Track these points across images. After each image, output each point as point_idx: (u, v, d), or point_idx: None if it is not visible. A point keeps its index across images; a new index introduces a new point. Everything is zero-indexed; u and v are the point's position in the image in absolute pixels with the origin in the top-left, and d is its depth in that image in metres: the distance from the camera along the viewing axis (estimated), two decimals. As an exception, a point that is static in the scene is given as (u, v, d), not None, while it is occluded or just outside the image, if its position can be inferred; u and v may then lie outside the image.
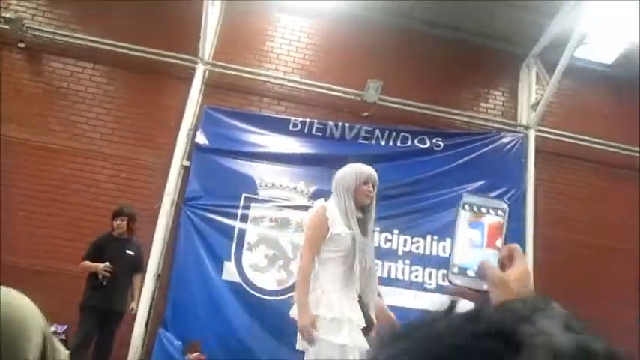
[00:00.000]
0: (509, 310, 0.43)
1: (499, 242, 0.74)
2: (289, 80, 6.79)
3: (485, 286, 0.71)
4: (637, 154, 7.10)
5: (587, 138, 7.02)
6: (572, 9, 6.15)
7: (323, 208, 2.85)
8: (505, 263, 0.73)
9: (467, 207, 0.75)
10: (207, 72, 6.64)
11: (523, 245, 6.00)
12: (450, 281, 0.74)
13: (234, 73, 6.67)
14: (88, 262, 4.75)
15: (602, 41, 6.86)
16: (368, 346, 2.55)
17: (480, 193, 0.77)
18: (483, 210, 0.75)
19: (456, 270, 0.73)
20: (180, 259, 5.89)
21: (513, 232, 5.45)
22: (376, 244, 5.52)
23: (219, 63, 6.68)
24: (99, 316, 4.58)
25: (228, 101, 6.67)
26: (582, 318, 0.41)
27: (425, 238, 6.15)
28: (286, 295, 5.90)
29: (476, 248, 0.73)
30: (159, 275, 5.89)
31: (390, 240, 6.10)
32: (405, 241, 6.17)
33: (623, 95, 7.28)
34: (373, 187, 2.91)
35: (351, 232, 2.79)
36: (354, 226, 2.81)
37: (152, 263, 5.84)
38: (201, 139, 6.30)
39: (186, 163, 6.30)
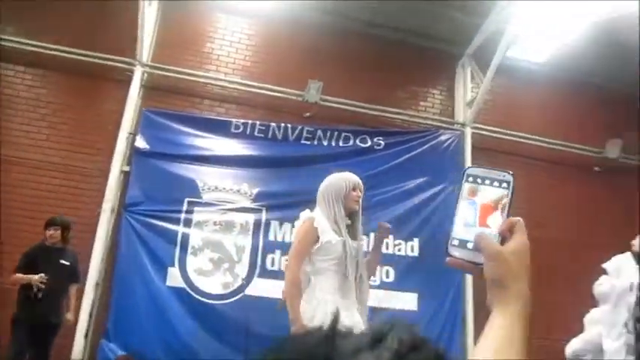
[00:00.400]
0: (347, 338, 0.44)
1: (492, 220, 0.73)
2: (230, 82, 6.73)
3: (482, 259, 0.72)
4: (571, 150, 7.43)
5: (521, 134, 7.28)
6: (504, 9, 6.36)
7: (310, 219, 2.86)
8: (505, 236, 0.73)
9: (470, 179, 0.75)
10: (145, 74, 6.50)
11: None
12: (448, 253, 0.74)
13: (173, 75, 6.56)
14: (20, 275, 4.57)
15: (533, 41, 7.14)
16: None
17: (484, 166, 0.76)
18: (487, 182, 0.74)
19: (456, 243, 0.74)
20: (121, 266, 5.74)
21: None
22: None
23: (158, 65, 6.54)
24: (32, 329, 4.42)
25: (168, 104, 6.55)
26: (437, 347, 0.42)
27: (368, 236, 6.21)
28: (232, 299, 5.89)
29: (469, 227, 0.74)
30: (97, 284, 5.73)
31: (335, 239, 6.16)
32: (349, 239, 6.23)
33: (555, 93, 7.60)
34: (361, 192, 2.99)
35: (342, 238, 2.82)
36: (343, 232, 2.85)
37: (92, 272, 5.66)
38: (141, 143, 6.16)
39: (126, 168, 6.15)
